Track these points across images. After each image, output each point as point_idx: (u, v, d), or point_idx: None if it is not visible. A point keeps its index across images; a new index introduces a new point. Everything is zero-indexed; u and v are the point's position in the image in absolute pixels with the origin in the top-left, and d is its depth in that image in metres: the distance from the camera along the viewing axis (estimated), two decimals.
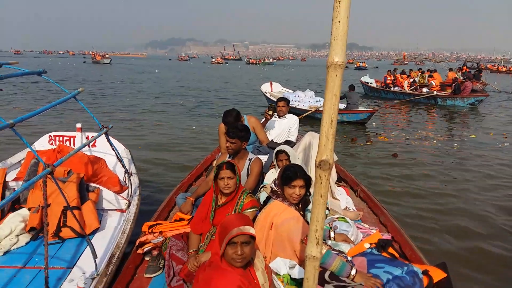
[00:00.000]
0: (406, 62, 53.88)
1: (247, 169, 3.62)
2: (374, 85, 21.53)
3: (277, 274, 2.39)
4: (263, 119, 4.97)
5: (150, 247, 3.07)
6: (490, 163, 8.09)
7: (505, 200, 6.03)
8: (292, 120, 5.23)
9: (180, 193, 4.14)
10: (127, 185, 4.39)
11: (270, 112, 4.88)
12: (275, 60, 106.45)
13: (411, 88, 18.91)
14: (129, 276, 2.81)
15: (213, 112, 14.66)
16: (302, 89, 14.84)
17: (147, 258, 3.06)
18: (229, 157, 3.72)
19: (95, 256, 2.83)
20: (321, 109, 11.44)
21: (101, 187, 4.02)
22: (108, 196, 4.01)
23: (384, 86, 20.06)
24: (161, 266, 2.91)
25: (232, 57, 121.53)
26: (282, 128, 5.17)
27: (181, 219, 3.41)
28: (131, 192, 4.24)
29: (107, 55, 75.39)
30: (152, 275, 2.85)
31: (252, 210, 2.83)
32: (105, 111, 14.12)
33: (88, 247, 2.88)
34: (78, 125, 4.88)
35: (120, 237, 3.37)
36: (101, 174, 4.29)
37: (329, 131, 1.34)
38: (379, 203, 4.02)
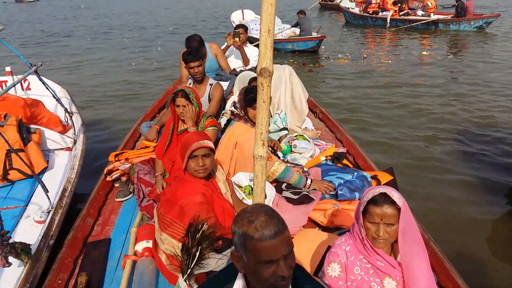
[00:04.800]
0: None
1: (209, 94, 3.80)
2: (357, 10, 18.53)
3: (239, 186, 2.66)
4: (224, 46, 5.01)
5: (118, 174, 3.24)
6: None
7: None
8: (252, 49, 5.32)
9: (145, 122, 4.27)
10: (70, 125, 4.41)
11: (237, 39, 4.83)
12: None
13: (401, 14, 16.48)
14: (100, 201, 3.01)
15: (150, 44, 14.33)
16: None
17: (116, 185, 3.25)
18: (193, 83, 3.87)
19: (46, 191, 2.91)
20: (277, 37, 11.51)
21: (42, 128, 4.02)
22: (52, 136, 4.03)
23: (370, 12, 17.40)
24: (131, 190, 3.12)
25: None
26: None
27: (147, 147, 3.60)
28: (76, 131, 4.27)
29: None
30: (123, 199, 3.07)
31: (212, 128, 3.05)
32: (30, 53, 13.28)
33: (39, 185, 2.97)
34: (8, 68, 4.72)
35: (70, 173, 3.49)
36: (40, 115, 4.23)
37: (267, 40, 1.45)
38: (336, 122, 4.33)
